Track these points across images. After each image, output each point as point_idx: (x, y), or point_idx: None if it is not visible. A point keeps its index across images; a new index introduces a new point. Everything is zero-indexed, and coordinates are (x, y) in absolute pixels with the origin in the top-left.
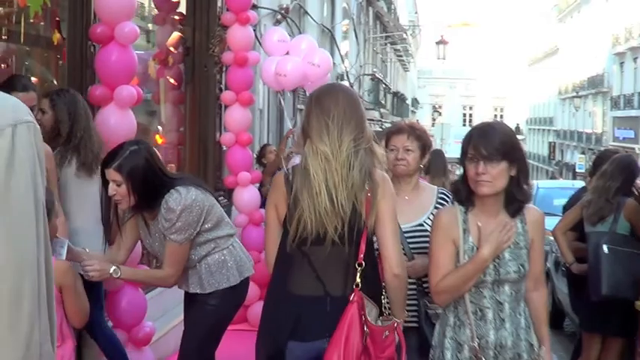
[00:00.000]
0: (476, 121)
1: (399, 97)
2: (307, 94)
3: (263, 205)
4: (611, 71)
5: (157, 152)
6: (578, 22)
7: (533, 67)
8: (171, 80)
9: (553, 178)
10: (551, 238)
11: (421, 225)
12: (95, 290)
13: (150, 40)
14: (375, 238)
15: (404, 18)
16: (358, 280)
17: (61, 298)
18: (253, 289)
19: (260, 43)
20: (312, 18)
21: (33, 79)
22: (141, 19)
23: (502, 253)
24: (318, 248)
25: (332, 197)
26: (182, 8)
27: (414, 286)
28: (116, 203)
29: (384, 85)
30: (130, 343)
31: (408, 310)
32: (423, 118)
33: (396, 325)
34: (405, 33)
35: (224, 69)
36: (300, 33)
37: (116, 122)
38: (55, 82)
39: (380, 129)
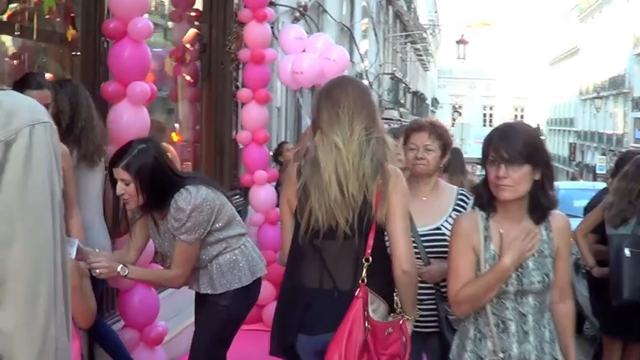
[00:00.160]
0: (496, 122)
1: (418, 96)
2: None
3: None
4: (632, 72)
5: (172, 150)
6: (599, 22)
7: (554, 67)
8: (188, 77)
9: (573, 179)
10: (572, 240)
11: (438, 229)
12: (95, 290)
13: (167, 37)
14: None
15: (424, 17)
16: (364, 275)
17: None
18: (268, 289)
19: (277, 41)
20: (330, 16)
21: (47, 75)
22: (161, 16)
23: (525, 262)
24: (331, 242)
25: (342, 188)
26: (199, 5)
27: (433, 291)
28: (124, 203)
29: (403, 85)
30: (142, 342)
31: (428, 316)
32: (442, 117)
33: (401, 322)
34: (425, 32)
35: (241, 66)
36: (319, 31)
37: (129, 119)
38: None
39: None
